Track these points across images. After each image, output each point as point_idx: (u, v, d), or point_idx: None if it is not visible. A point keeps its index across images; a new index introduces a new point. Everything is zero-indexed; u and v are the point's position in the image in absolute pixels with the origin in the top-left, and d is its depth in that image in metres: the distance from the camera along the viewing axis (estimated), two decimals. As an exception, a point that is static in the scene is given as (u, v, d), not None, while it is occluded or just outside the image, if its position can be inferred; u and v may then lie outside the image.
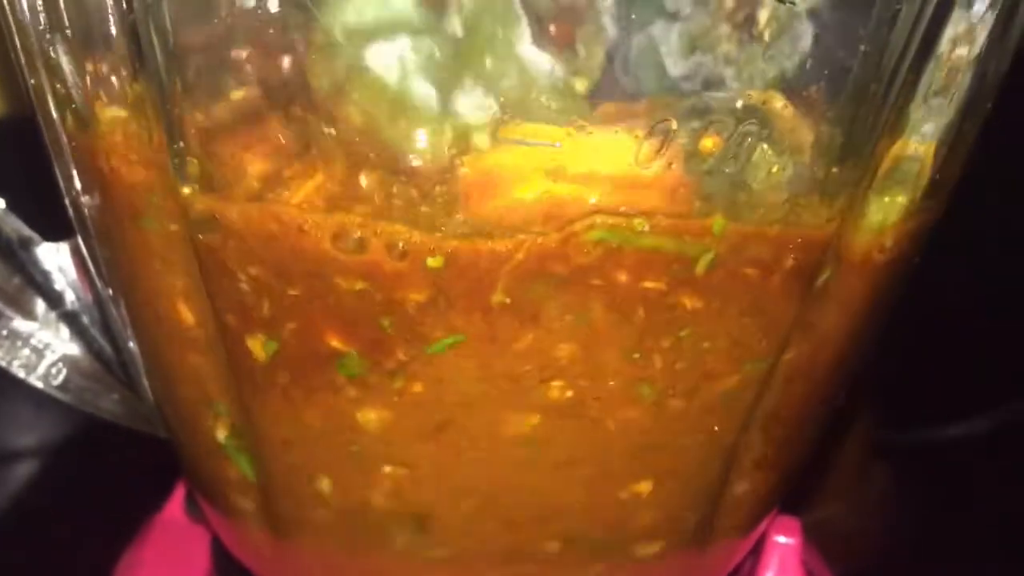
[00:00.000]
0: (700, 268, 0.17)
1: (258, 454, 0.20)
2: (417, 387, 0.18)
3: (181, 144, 0.17)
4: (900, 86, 0.16)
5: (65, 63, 0.18)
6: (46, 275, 0.24)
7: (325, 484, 0.20)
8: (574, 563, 0.22)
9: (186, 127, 0.17)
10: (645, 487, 0.21)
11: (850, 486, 0.41)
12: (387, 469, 0.20)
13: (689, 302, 0.17)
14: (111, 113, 0.18)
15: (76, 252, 0.24)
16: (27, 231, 0.24)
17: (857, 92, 0.16)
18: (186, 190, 0.17)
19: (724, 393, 0.20)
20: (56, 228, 0.25)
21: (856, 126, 0.17)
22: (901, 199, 0.18)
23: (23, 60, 0.20)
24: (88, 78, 0.18)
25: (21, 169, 0.25)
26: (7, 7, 0.19)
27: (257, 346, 0.19)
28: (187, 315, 0.19)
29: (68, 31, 0.17)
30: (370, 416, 0.18)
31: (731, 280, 0.17)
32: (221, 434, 0.21)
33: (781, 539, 0.27)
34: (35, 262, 0.24)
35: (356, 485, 0.20)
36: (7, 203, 0.24)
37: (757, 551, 0.27)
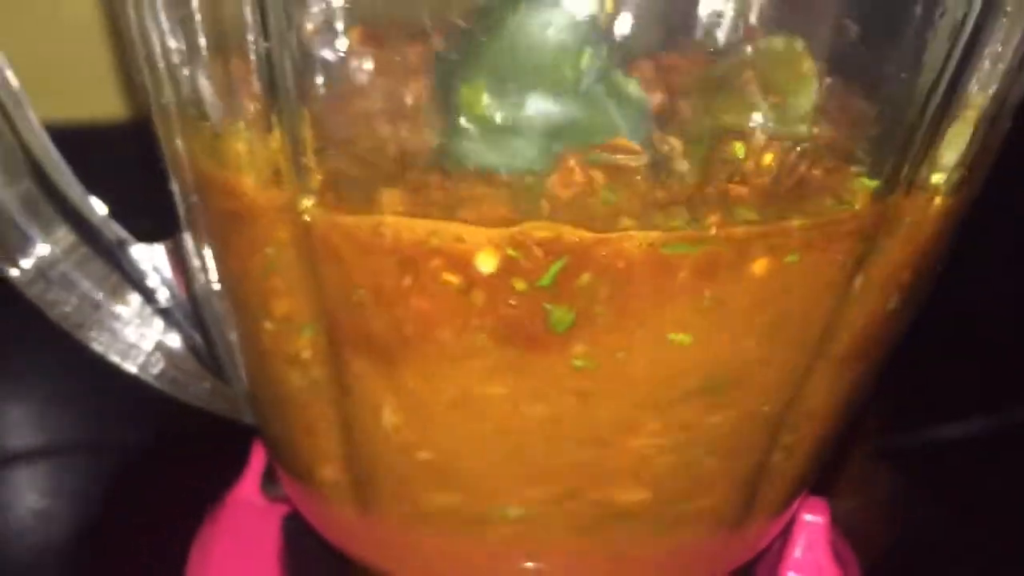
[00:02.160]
0: (778, 260, 0.19)
1: (358, 432, 0.23)
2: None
3: (304, 159, 0.19)
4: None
5: (204, 85, 0.20)
6: (142, 274, 0.26)
7: (424, 462, 0.22)
8: (611, 543, 0.24)
9: (309, 144, 0.19)
10: (694, 468, 0.23)
11: (856, 487, 0.42)
12: (493, 450, 0.22)
13: (761, 290, 0.20)
14: (241, 128, 0.20)
15: (172, 253, 0.26)
16: (124, 233, 0.27)
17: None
18: (306, 203, 0.20)
19: (776, 375, 0.22)
20: (149, 232, 0.27)
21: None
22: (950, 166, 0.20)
23: (149, 76, 0.22)
24: (223, 97, 0.20)
25: (118, 175, 0.27)
26: (139, 34, 0.21)
27: (369, 343, 0.21)
28: (294, 309, 0.22)
29: (206, 53, 0.20)
30: (490, 392, 0.21)
31: (799, 266, 0.20)
32: (319, 414, 0.23)
33: (809, 517, 0.28)
34: (131, 262, 0.26)
35: (458, 466, 0.22)
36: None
37: (787, 529, 0.28)
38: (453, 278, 0.19)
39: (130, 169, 0.30)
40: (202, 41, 0.20)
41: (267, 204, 0.21)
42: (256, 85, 0.20)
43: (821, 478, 0.28)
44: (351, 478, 0.24)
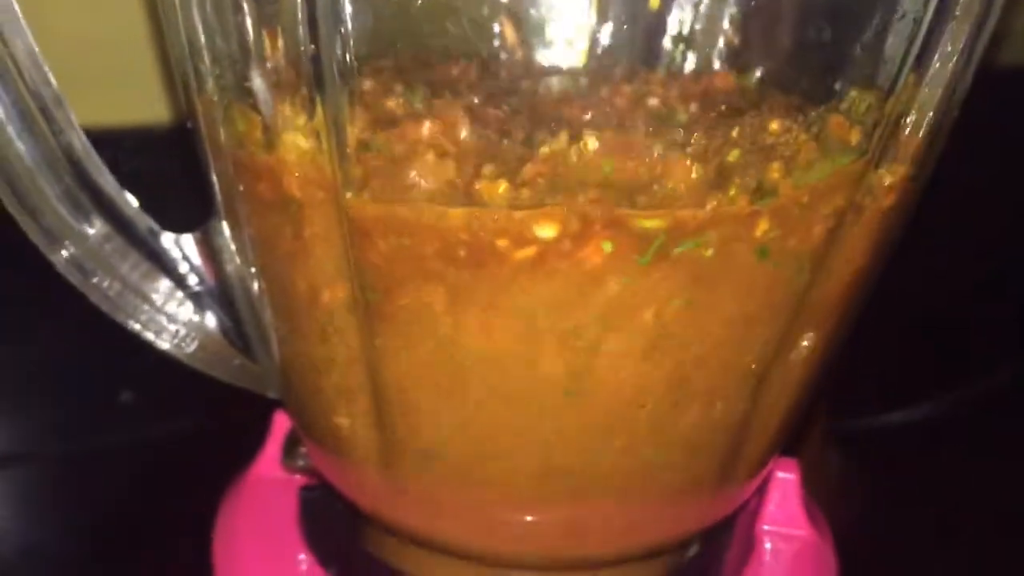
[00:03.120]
0: (761, 225, 0.22)
1: (386, 396, 0.25)
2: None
3: (348, 152, 0.22)
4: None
5: (257, 83, 0.22)
6: (173, 261, 0.28)
7: (447, 426, 0.25)
8: (614, 499, 0.27)
9: (352, 139, 0.22)
10: (677, 430, 0.25)
11: (807, 471, 0.45)
12: (512, 410, 0.24)
13: (747, 250, 0.22)
14: (290, 126, 0.22)
15: (201, 242, 0.28)
16: (154, 224, 0.29)
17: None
18: (348, 194, 0.22)
19: (758, 336, 0.24)
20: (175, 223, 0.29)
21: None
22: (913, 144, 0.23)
23: (193, 72, 0.24)
24: (275, 97, 0.22)
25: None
26: (185, 33, 0.24)
27: (398, 318, 0.23)
28: (331, 286, 0.24)
29: (261, 56, 0.22)
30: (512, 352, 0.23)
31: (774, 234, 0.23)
32: (350, 381, 0.25)
33: (782, 475, 0.31)
34: (163, 250, 0.28)
35: (476, 427, 0.24)
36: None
37: (762, 486, 0.31)
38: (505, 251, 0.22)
39: (154, 171, 0.32)
40: (251, 39, 0.22)
41: (310, 191, 0.23)
42: (303, 81, 0.22)
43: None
44: (377, 441, 0.26)
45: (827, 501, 0.42)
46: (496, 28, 0.25)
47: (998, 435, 0.47)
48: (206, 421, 0.42)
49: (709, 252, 0.22)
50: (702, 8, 0.27)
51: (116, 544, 0.36)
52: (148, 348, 0.29)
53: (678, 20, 0.28)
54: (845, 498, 0.42)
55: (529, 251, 0.22)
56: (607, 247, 0.21)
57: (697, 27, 0.27)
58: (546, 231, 0.22)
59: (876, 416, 0.48)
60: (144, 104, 0.39)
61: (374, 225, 0.22)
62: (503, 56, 0.25)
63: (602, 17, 0.26)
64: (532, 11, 0.26)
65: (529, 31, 0.26)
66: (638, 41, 0.28)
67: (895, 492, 0.43)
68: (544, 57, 0.27)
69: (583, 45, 0.26)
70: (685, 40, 0.28)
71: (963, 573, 0.38)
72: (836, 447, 0.46)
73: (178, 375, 0.30)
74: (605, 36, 0.26)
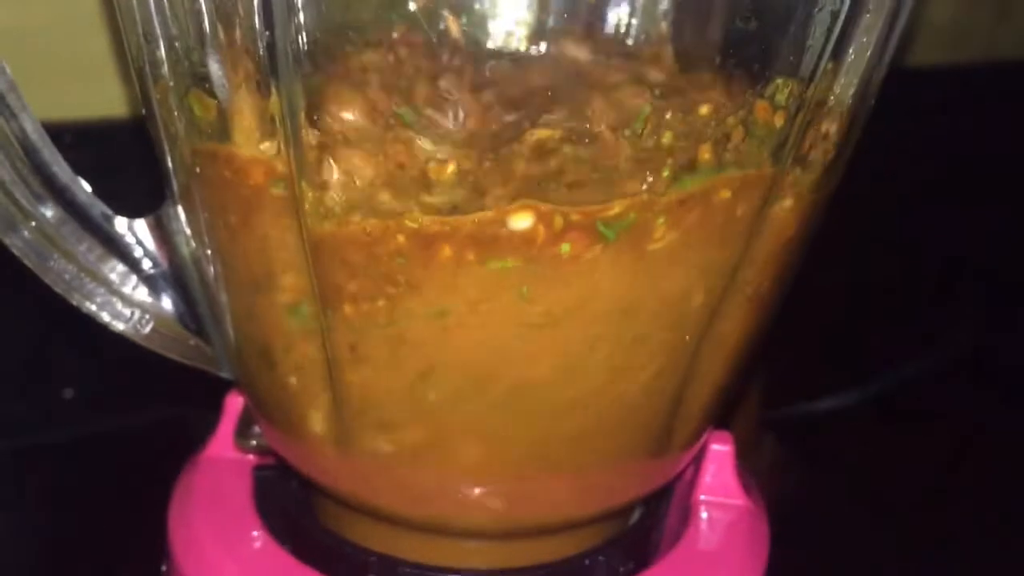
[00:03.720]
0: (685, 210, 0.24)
1: (339, 374, 0.26)
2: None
3: (302, 138, 0.23)
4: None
5: (214, 71, 0.23)
6: (127, 245, 0.29)
7: (399, 401, 0.26)
8: (560, 469, 0.28)
9: (308, 135, 0.23)
10: (616, 402, 0.27)
11: (742, 455, 0.46)
12: (460, 383, 0.25)
13: (673, 235, 0.24)
14: (245, 111, 0.23)
15: (154, 227, 0.29)
16: (107, 209, 0.29)
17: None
18: (305, 187, 0.23)
19: (690, 312, 0.26)
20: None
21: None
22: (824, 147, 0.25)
23: (148, 58, 0.25)
24: (231, 83, 0.23)
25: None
26: (141, 19, 0.24)
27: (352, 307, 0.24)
28: (285, 269, 0.25)
29: (212, 37, 0.23)
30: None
31: (704, 215, 0.24)
32: (304, 360, 0.26)
33: (717, 447, 0.33)
34: (117, 235, 0.29)
35: (428, 401, 0.25)
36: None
37: (698, 458, 0.33)
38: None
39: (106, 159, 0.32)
40: (207, 27, 0.23)
41: (266, 176, 0.24)
42: (259, 67, 0.23)
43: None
44: (331, 417, 0.27)
45: (760, 484, 0.44)
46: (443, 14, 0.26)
47: (917, 419, 0.50)
48: (155, 414, 0.43)
49: (652, 234, 0.24)
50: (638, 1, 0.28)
51: (68, 538, 0.37)
52: (90, 344, 0.29)
53: (615, 15, 0.29)
54: (777, 481, 0.45)
55: (501, 242, 0.23)
56: (564, 248, 0.23)
57: (634, 20, 0.29)
58: (519, 222, 0.23)
59: (806, 404, 0.50)
60: (98, 94, 0.39)
61: (329, 212, 0.23)
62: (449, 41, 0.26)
63: (542, 11, 0.27)
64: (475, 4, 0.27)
65: (473, 21, 0.27)
66: (578, 31, 0.29)
67: (824, 474, 0.45)
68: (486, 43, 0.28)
69: (524, 34, 0.28)
70: (623, 31, 0.29)
71: (890, 546, 0.41)
72: (769, 433, 0.48)
73: (124, 370, 0.30)
74: (544, 30, 0.27)
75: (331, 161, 0.23)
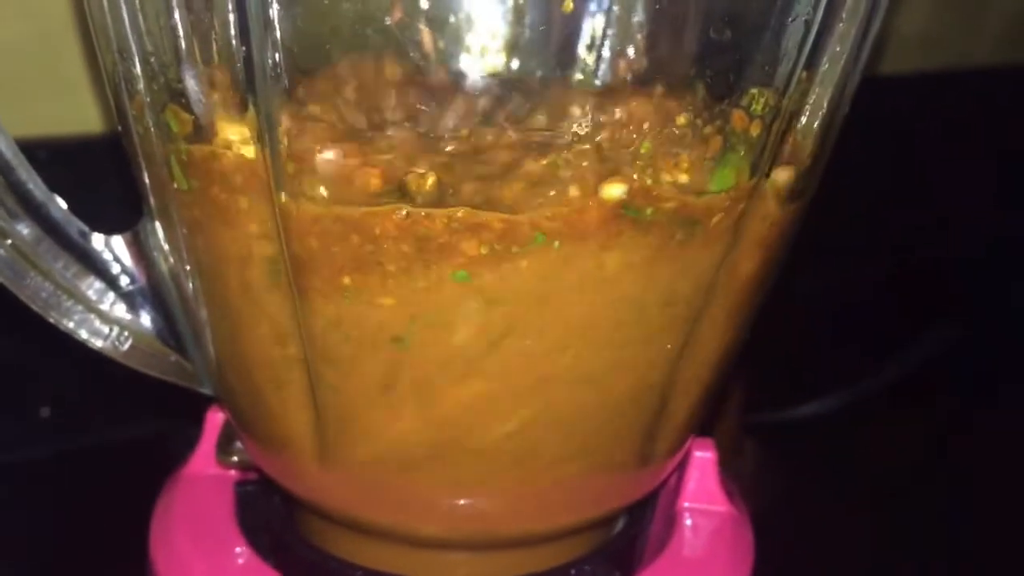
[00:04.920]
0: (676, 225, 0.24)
1: (321, 387, 0.26)
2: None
3: (280, 152, 0.23)
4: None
5: (190, 84, 0.23)
6: (104, 262, 0.29)
7: (380, 415, 0.26)
8: (541, 480, 0.28)
9: (284, 139, 0.23)
10: (599, 412, 0.27)
11: (725, 460, 0.46)
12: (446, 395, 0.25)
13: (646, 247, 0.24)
14: (223, 126, 0.23)
15: (132, 243, 0.29)
16: (84, 226, 0.29)
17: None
18: (284, 199, 0.23)
19: (672, 321, 0.26)
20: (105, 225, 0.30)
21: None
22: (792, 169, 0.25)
23: (124, 74, 0.25)
24: (207, 97, 0.23)
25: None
26: (116, 34, 0.24)
27: (330, 306, 0.24)
28: (266, 282, 0.25)
29: (193, 58, 0.23)
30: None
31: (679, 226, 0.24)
32: (286, 374, 0.26)
33: (700, 454, 0.33)
34: (94, 251, 0.29)
35: (409, 415, 0.25)
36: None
37: (682, 465, 0.33)
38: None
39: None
40: (183, 43, 0.23)
41: (244, 191, 0.24)
42: (237, 82, 0.23)
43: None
44: (313, 431, 0.27)
45: (743, 489, 0.44)
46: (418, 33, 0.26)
47: (899, 423, 0.50)
48: (134, 431, 0.43)
49: (636, 242, 0.24)
50: (613, 13, 0.29)
51: (48, 557, 0.37)
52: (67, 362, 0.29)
53: (591, 27, 0.29)
54: (760, 485, 0.45)
55: (461, 250, 0.23)
56: (539, 239, 0.23)
57: (609, 32, 0.29)
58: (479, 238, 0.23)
59: (788, 408, 0.51)
60: (73, 110, 0.39)
61: (309, 224, 0.23)
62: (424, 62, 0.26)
63: (518, 23, 0.27)
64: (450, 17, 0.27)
65: (448, 37, 0.27)
66: (552, 47, 0.29)
67: (806, 478, 0.45)
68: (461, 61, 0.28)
69: (501, 50, 0.28)
70: (597, 46, 0.29)
71: (873, 549, 0.41)
72: (751, 438, 0.48)
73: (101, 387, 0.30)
74: (520, 41, 0.27)
75: (310, 174, 0.23)
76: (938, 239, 0.62)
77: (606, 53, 0.29)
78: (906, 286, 0.60)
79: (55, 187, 0.28)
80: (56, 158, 0.34)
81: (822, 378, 0.52)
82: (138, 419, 0.42)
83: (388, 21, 0.25)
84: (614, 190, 0.23)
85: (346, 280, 0.24)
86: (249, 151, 0.23)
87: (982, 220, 0.63)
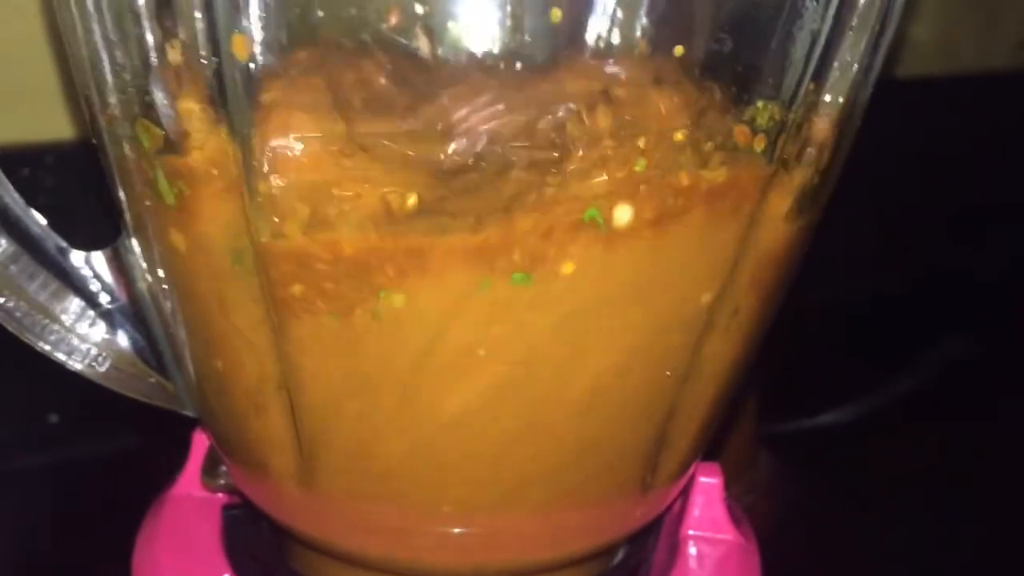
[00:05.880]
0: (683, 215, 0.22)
1: (301, 411, 0.25)
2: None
3: (254, 162, 0.22)
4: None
5: (159, 98, 0.22)
6: (83, 279, 0.28)
7: (362, 441, 0.25)
8: (532, 508, 0.27)
9: (258, 156, 0.21)
10: (601, 436, 0.26)
11: (741, 472, 0.44)
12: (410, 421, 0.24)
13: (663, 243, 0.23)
14: (197, 137, 0.22)
15: (112, 260, 0.28)
16: (63, 242, 0.28)
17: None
18: (255, 210, 0.22)
19: (675, 338, 0.25)
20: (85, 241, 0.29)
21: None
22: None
23: (95, 88, 0.24)
24: (179, 111, 0.22)
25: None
26: (86, 48, 0.23)
27: (307, 326, 0.23)
28: (242, 301, 0.24)
29: (161, 71, 0.22)
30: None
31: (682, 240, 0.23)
32: (265, 398, 0.25)
33: (705, 480, 0.31)
34: (73, 268, 0.28)
35: (391, 440, 0.24)
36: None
37: (686, 491, 0.31)
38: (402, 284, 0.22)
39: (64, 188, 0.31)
40: (153, 56, 0.22)
41: (217, 208, 0.23)
42: (207, 96, 0.22)
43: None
44: (294, 457, 0.26)
45: (758, 500, 0.44)
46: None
47: (915, 434, 0.50)
48: (130, 441, 0.42)
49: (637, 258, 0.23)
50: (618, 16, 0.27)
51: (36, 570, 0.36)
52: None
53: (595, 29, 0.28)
54: (775, 496, 0.45)
55: (446, 262, 0.22)
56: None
57: (614, 37, 0.28)
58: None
59: (804, 419, 0.50)
60: (51, 121, 0.38)
61: (284, 246, 0.22)
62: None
63: (517, 28, 0.26)
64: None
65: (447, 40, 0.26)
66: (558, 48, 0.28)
67: (822, 489, 0.45)
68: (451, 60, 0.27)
69: (496, 53, 0.26)
70: (602, 50, 0.28)
71: (888, 559, 0.40)
72: (765, 450, 0.47)
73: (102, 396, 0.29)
74: (519, 43, 0.26)
75: (284, 189, 0.22)
76: (955, 250, 0.61)
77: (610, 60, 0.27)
78: (921, 298, 0.60)
79: (33, 201, 0.27)
80: (36, 171, 0.33)
81: (837, 389, 0.52)
82: (132, 430, 0.41)
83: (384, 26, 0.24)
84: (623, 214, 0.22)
85: (322, 301, 0.23)
86: (222, 167, 0.22)
87: (999, 232, 0.62)
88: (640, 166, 0.22)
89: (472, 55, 0.26)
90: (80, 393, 0.29)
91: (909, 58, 0.56)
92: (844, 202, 0.28)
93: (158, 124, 0.22)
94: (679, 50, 0.22)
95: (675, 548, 0.31)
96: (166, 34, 0.22)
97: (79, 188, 0.32)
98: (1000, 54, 0.61)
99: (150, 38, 0.22)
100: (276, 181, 0.22)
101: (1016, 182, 0.63)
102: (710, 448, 0.31)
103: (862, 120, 0.26)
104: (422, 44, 0.26)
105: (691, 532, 0.31)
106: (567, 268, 0.23)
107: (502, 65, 0.24)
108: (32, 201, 0.27)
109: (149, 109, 0.23)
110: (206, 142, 0.22)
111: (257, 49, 0.21)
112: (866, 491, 0.45)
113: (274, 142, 0.22)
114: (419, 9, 0.23)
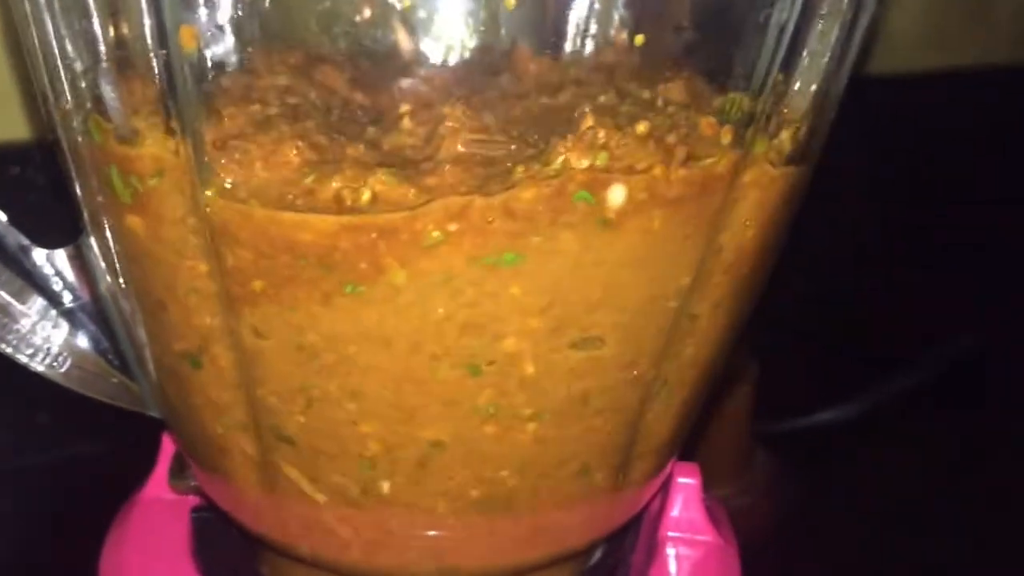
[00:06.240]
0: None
1: (261, 413, 0.24)
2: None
3: (205, 157, 0.21)
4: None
5: (107, 92, 0.21)
6: (45, 278, 0.27)
7: (319, 444, 0.24)
8: (502, 509, 0.26)
9: (208, 141, 0.21)
10: (573, 431, 0.25)
11: (738, 471, 0.45)
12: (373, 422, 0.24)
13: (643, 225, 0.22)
14: (147, 131, 0.21)
15: (74, 258, 0.27)
16: (25, 240, 0.28)
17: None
18: (208, 193, 0.21)
19: (646, 328, 0.24)
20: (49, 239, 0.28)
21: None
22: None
23: (49, 84, 0.23)
24: (128, 102, 0.21)
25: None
26: (39, 42, 0.23)
27: (262, 319, 0.23)
28: (198, 299, 0.23)
29: (110, 64, 0.21)
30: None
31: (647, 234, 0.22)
32: (225, 400, 0.24)
33: (683, 480, 0.31)
34: (34, 267, 0.27)
35: (356, 443, 0.24)
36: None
37: (664, 491, 0.31)
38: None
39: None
40: (103, 49, 0.22)
41: (169, 201, 0.22)
42: (157, 89, 0.21)
43: (708, 467, 0.31)
44: (256, 459, 0.25)
45: (754, 498, 0.43)
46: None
47: (911, 434, 0.49)
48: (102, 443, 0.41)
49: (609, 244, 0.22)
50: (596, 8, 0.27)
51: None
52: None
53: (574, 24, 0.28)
54: (772, 494, 0.45)
55: (422, 242, 0.21)
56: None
57: (592, 26, 0.27)
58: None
59: (802, 418, 0.50)
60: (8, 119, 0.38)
61: (236, 231, 0.22)
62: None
63: (493, 20, 0.26)
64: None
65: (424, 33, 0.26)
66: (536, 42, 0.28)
67: (818, 488, 0.45)
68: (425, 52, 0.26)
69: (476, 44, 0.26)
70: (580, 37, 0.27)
71: (884, 559, 0.40)
72: (762, 448, 0.46)
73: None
74: (499, 36, 0.26)
75: (235, 185, 0.21)
76: (956, 246, 0.60)
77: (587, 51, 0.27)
78: (921, 297, 0.59)
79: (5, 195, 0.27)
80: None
81: (835, 388, 0.51)
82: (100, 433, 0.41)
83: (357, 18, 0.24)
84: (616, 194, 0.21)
85: (278, 292, 0.22)
86: (172, 161, 0.21)
87: (1003, 227, 0.61)
88: (601, 159, 0.21)
89: (442, 49, 0.26)
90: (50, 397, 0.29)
91: (909, 55, 0.55)
92: (843, 200, 0.28)
93: (107, 118, 0.22)
94: (639, 39, 0.21)
95: (653, 549, 0.31)
96: (115, 24, 0.21)
97: (43, 186, 0.31)
98: (999, 51, 0.60)
99: (98, 31, 0.21)
100: (227, 178, 0.21)
101: (1016, 180, 0.63)
102: (698, 448, 0.31)
103: (861, 118, 0.26)
104: (400, 37, 0.25)
105: (669, 533, 0.31)
106: (532, 261, 0.22)
107: (465, 59, 0.24)
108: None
109: (100, 103, 0.22)
110: (156, 137, 0.21)
111: (206, 43, 0.21)
112: (865, 490, 0.44)
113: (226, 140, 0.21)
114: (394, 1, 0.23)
